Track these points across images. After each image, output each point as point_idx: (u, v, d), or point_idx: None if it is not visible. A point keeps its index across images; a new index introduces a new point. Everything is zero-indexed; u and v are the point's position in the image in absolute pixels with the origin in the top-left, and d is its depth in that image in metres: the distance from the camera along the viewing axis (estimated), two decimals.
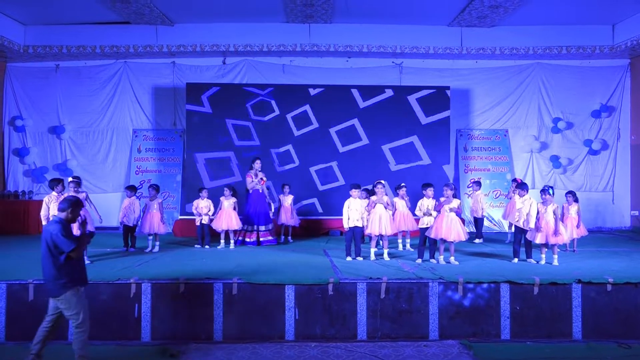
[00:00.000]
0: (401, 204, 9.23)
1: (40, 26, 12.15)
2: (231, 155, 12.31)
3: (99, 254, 8.56)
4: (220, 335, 6.40)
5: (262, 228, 9.84)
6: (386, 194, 8.40)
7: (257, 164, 9.84)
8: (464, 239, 7.80)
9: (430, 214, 7.92)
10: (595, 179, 13.44)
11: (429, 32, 12.29)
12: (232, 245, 9.62)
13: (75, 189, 7.88)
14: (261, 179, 9.85)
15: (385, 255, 8.08)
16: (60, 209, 5.07)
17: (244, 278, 6.54)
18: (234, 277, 6.55)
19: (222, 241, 9.75)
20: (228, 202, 9.63)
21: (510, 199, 10.26)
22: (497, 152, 13.35)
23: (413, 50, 12.38)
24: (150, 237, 9.15)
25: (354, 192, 8.25)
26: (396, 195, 9.42)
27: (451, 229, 7.60)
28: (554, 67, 13.26)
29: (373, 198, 8.20)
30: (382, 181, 8.41)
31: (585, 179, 13.41)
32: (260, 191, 9.86)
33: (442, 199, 7.73)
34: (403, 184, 9.44)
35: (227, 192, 9.82)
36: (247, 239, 9.87)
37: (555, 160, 13.28)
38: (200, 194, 9.98)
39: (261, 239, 9.87)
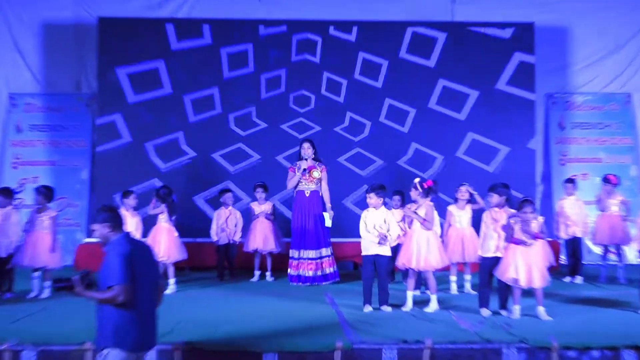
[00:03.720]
0: (457, 216, 7.15)
1: None
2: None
3: None
4: None
5: (311, 254, 7.46)
6: (431, 201, 6.21)
7: (305, 149, 7.33)
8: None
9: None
10: None
11: None
12: (171, 286, 7.04)
13: None
14: (305, 170, 7.28)
15: (434, 304, 6.41)
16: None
17: (192, 341, 4.95)
18: (175, 340, 4.87)
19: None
20: (164, 217, 7.31)
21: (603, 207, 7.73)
22: (614, 130, 10.25)
23: None
24: (37, 275, 7.49)
25: (372, 198, 6.23)
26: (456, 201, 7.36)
27: (533, 270, 5.74)
28: None
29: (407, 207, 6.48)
30: (417, 180, 6.27)
31: None
32: (307, 194, 7.48)
33: (511, 221, 5.79)
34: (465, 184, 7.33)
35: (153, 202, 7.47)
36: (289, 270, 7.58)
37: None
38: (124, 200, 7.71)
39: (303, 272, 7.40)
